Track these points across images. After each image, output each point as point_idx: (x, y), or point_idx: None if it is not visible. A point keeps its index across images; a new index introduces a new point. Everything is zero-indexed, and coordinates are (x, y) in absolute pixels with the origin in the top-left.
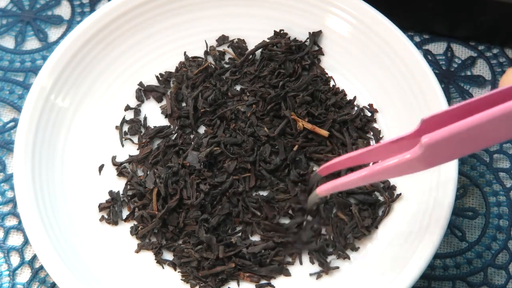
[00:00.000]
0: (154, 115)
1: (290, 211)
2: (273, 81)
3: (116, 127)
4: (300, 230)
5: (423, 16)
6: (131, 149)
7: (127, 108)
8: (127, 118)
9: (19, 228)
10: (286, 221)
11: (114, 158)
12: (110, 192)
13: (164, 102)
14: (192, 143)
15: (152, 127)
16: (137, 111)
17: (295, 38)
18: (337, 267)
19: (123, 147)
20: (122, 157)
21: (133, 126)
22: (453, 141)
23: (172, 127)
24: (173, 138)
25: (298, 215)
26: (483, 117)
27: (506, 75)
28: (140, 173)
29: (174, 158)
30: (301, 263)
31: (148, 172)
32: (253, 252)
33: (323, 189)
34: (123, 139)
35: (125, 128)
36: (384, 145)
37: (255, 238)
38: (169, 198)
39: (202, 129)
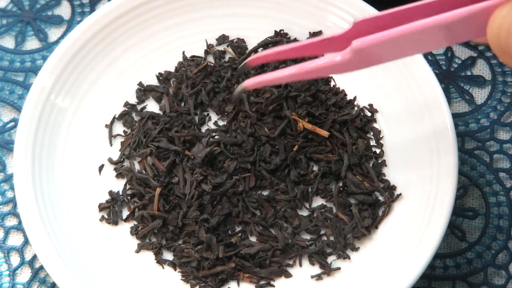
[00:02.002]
0: None
1: (286, 214)
2: None
3: (106, 125)
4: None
5: None
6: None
7: (126, 104)
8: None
9: (19, 228)
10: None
11: (111, 158)
12: (110, 192)
13: (164, 102)
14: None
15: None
16: (134, 108)
17: (295, 38)
18: (339, 268)
19: (111, 146)
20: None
21: (127, 119)
22: (382, 47)
23: (166, 114)
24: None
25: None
26: (412, 27)
27: None
28: (137, 166)
29: (164, 141)
30: (300, 265)
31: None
32: (249, 253)
33: (251, 82)
34: (112, 138)
35: (120, 124)
36: (315, 42)
37: (255, 238)
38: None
39: (203, 129)
